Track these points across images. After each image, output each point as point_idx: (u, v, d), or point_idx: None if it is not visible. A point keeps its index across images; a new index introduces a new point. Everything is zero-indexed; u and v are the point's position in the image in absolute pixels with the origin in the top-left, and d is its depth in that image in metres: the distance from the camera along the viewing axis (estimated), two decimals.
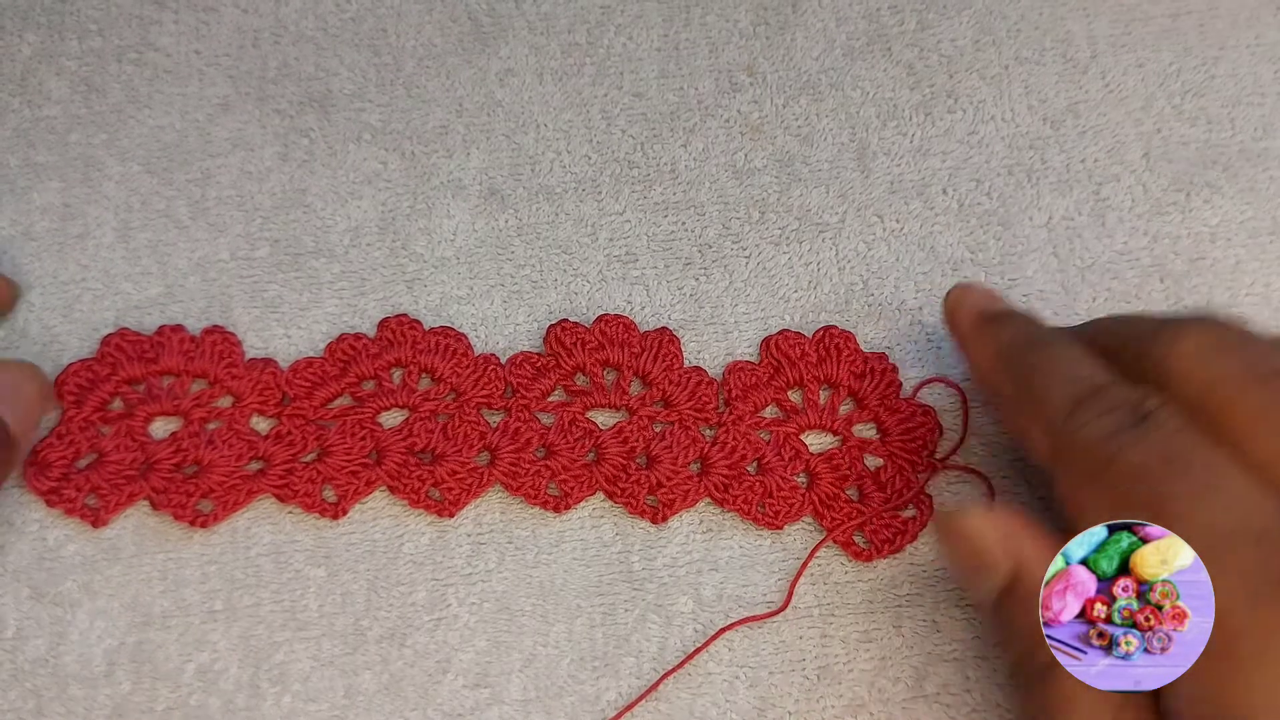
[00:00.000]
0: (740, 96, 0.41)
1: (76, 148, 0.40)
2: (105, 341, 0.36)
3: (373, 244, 0.39)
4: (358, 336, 0.37)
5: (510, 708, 0.33)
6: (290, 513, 0.35)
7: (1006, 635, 0.28)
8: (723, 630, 0.34)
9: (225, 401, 0.36)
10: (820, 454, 0.35)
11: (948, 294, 0.34)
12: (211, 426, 0.36)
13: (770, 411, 0.36)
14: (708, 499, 0.35)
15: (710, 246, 0.39)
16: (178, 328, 0.37)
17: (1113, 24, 0.42)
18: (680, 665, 0.33)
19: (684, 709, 0.33)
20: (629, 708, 0.33)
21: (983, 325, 0.32)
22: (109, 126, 0.41)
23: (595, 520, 0.35)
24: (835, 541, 0.35)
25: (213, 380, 0.36)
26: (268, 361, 0.37)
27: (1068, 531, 0.27)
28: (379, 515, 0.35)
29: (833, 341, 0.36)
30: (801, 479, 0.35)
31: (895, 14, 0.42)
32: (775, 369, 0.36)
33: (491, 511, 0.35)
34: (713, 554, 0.35)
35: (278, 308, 0.38)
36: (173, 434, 0.35)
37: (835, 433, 0.36)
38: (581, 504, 0.35)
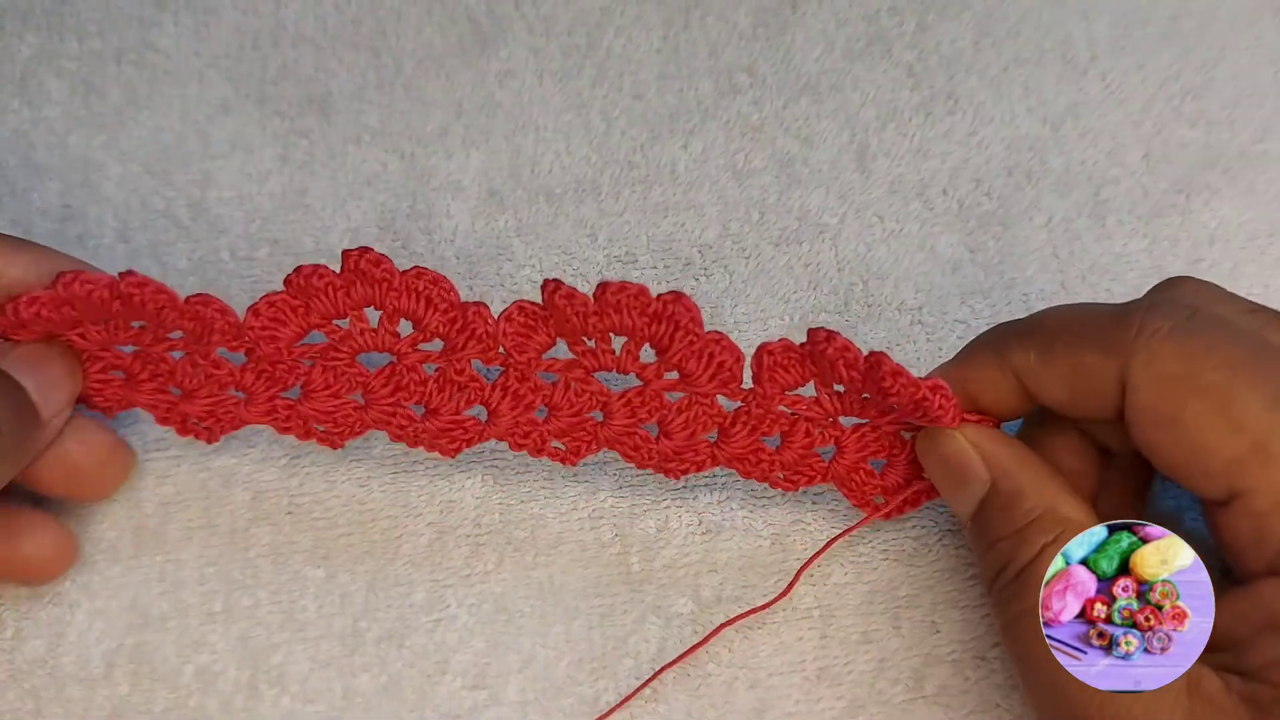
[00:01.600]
0: (740, 98, 0.41)
1: (76, 149, 0.40)
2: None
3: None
4: (318, 269, 0.30)
5: (508, 709, 0.33)
6: (289, 513, 0.35)
7: (986, 542, 0.30)
8: (724, 625, 0.33)
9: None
10: (852, 428, 0.32)
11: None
12: (175, 356, 0.32)
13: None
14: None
15: (710, 247, 0.39)
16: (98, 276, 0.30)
17: (1112, 26, 0.42)
18: (680, 658, 0.33)
19: (683, 710, 0.33)
20: (626, 700, 0.33)
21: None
22: (109, 128, 0.41)
23: (594, 521, 0.35)
24: (855, 505, 0.33)
25: (156, 324, 0.31)
26: (211, 301, 0.31)
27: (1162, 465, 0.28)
28: (377, 516, 0.35)
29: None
30: (826, 453, 0.33)
31: (895, 16, 0.42)
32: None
33: (490, 512, 0.35)
34: (712, 555, 0.35)
35: None
36: (136, 352, 0.32)
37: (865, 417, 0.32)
38: (580, 504, 0.35)
